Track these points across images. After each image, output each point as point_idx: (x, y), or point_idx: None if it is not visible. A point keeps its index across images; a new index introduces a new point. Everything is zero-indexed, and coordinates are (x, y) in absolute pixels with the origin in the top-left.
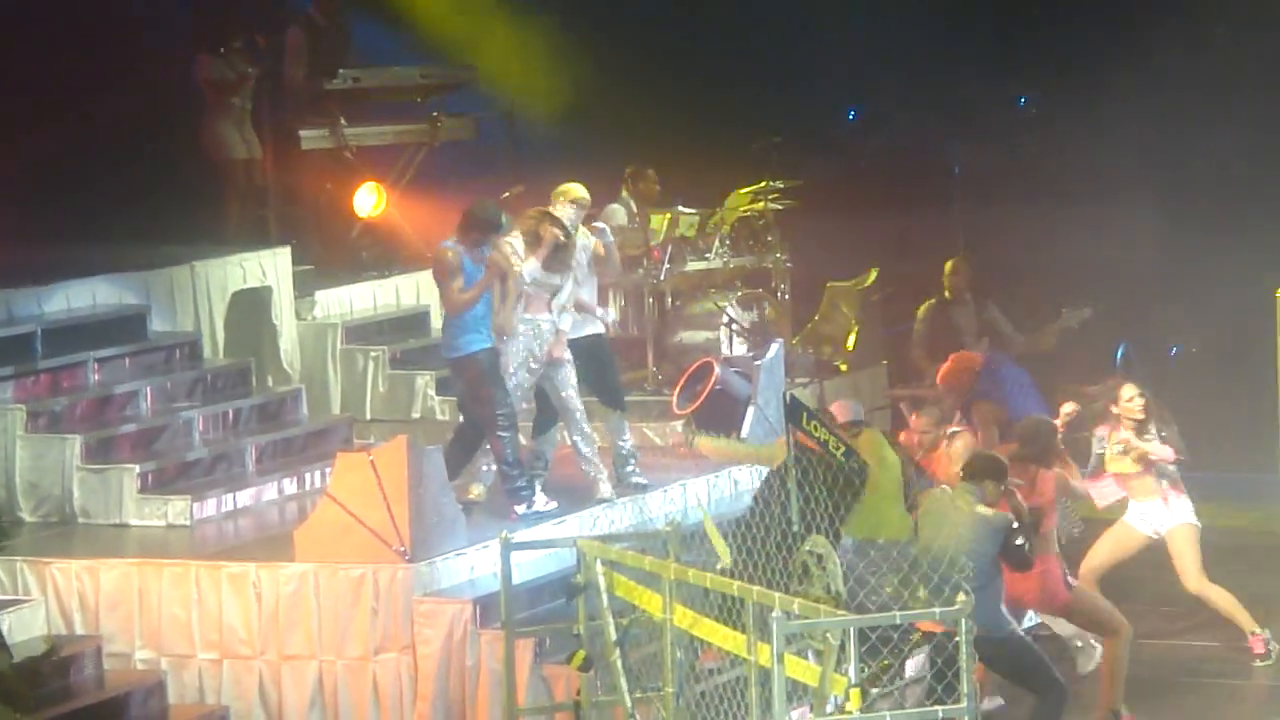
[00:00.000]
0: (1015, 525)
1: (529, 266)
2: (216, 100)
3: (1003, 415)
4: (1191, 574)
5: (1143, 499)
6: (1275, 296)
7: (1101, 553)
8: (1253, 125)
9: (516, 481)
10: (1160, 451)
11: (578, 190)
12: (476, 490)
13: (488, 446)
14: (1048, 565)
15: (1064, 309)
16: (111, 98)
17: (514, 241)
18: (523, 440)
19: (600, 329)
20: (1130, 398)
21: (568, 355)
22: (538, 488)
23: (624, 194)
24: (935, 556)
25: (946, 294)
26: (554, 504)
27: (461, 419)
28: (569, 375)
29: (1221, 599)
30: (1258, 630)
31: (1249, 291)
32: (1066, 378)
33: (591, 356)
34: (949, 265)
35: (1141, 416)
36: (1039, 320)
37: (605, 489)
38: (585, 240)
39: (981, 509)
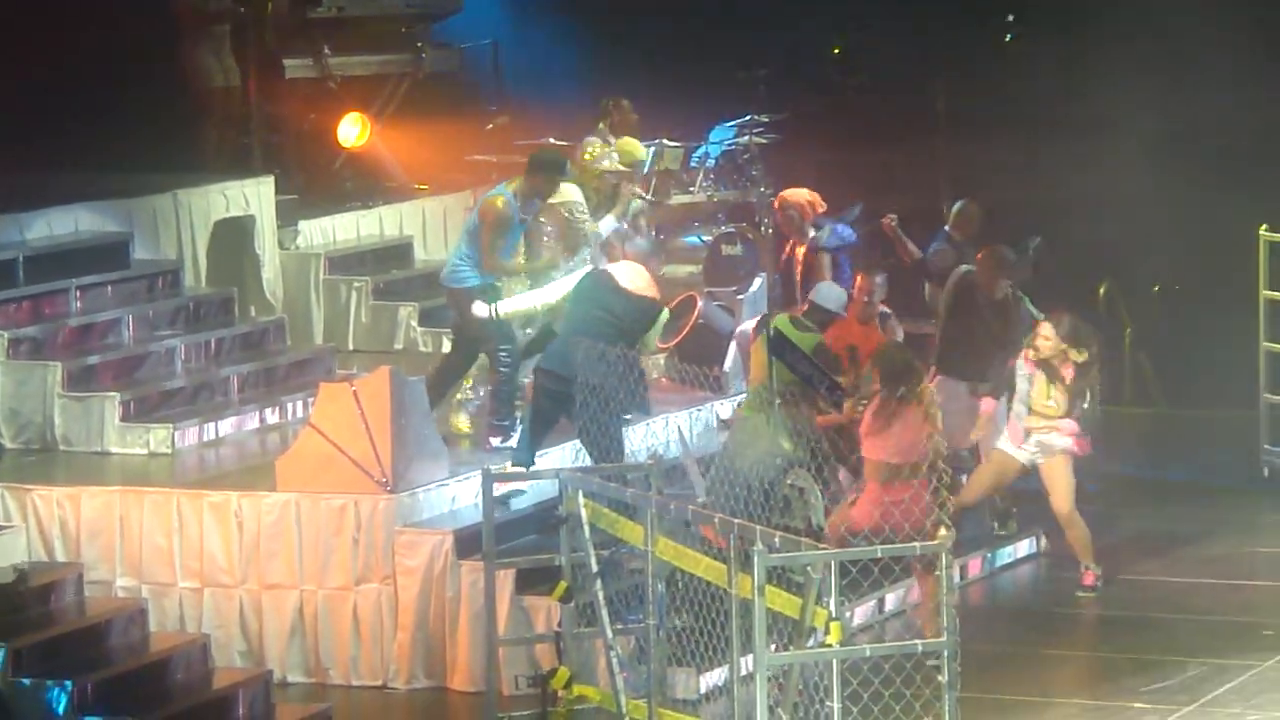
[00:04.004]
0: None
1: (606, 222)
2: (192, 27)
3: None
4: (1064, 499)
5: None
6: (1259, 234)
7: (984, 480)
8: (1237, 63)
9: (504, 419)
10: (1064, 435)
11: (640, 150)
12: (463, 422)
13: (472, 377)
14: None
15: (1029, 240)
16: (95, 24)
17: (577, 198)
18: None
19: None
20: (1047, 336)
21: None
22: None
23: (601, 126)
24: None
25: (956, 234)
26: None
27: (450, 348)
28: None
29: (1080, 532)
30: (1092, 566)
31: (1233, 228)
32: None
33: None
34: (964, 208)
35: (1050, 357)
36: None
37: None
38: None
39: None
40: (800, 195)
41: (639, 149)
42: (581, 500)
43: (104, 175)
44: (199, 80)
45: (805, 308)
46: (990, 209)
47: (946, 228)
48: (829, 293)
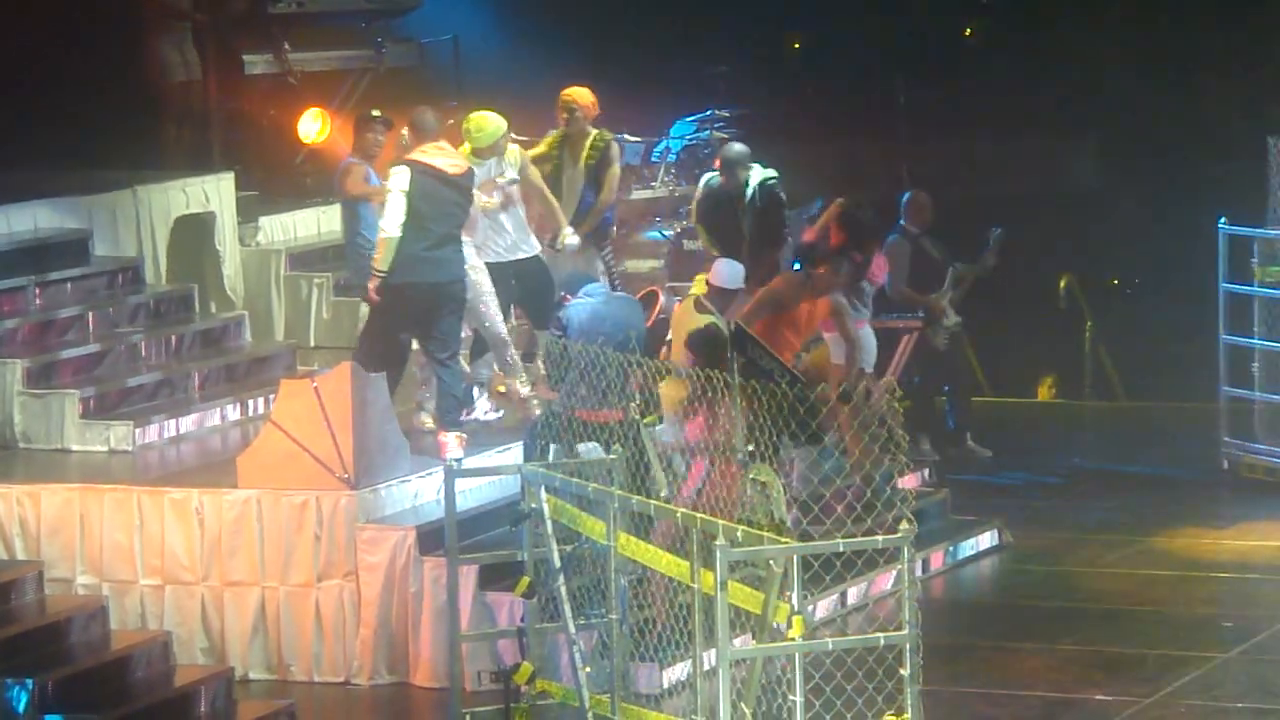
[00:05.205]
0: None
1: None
2: (155, 21)
3: None
4: None
5: None
6: (1218, 226)
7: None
8: (1193, 61)
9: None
10: None
11: (494, 121)
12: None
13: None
14: None
15: (990, 230)
16: (52, 18)
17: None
18: (465, 367)
19: (537, 250)
20: None
21: (489, 284)
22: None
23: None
24: None
25: (911, 226)
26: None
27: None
28: (492, 302)
29: None
30: None
31: (1192, 221)
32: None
33: (528, 278)
34: (914, 198)
35: None
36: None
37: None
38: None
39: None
40: (586, 95)
41: (489, 123)
42: (544, 495)
43: (62, 172)
44: (160, 74)
45: (706, 290)
46: (951, 202)
47: (901, 220)
48: (726, 271)
